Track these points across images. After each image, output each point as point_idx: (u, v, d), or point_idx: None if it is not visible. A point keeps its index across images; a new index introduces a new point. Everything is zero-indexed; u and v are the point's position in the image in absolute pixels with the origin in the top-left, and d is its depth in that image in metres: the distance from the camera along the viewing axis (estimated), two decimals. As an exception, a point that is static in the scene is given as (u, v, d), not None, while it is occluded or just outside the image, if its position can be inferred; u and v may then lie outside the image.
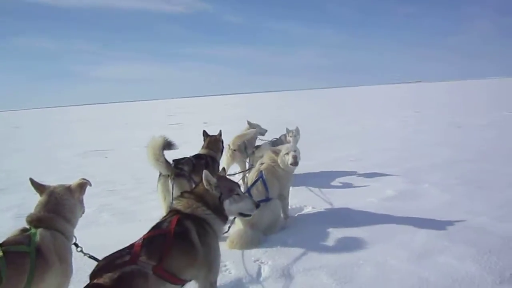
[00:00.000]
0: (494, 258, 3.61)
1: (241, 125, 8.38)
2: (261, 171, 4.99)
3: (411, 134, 13.10)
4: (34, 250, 2.52)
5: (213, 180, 3.02)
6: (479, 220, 4.58)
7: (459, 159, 8.36)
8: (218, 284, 3.00)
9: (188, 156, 5.38)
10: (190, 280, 2.79)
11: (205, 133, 6.04)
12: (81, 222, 3.14)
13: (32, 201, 3.01)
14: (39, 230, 2.65)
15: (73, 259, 2.85)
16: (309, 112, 28.00)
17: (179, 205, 2.98)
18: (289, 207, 5.35)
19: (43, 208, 2.82)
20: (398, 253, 3.89)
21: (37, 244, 2.56)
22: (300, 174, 6.90)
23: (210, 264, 2.85)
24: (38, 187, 2.93)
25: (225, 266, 3.94)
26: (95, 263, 2.48)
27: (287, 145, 5.44)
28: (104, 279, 2.20)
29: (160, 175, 4.86)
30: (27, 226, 2.73)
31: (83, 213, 3.14)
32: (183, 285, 2.70)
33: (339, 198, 5.95)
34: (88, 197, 3.20)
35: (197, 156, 5.52)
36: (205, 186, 3.01)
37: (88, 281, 2.28)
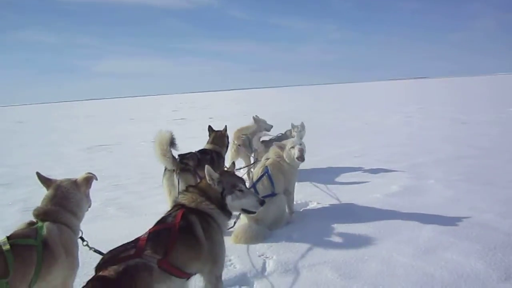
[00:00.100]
0: (500, 254, 3.60)
1: (246, 121, 8.38)
2: (266, 166, 4.99)
3: (416, 130, 13.07)
4: (41, 243, 2.54)
5: (215, 175, 3.01)
6: (483, 217, 4.57)
7: (463, 155, 8.33)
8: (223, 278, 3.00)
9: (193, 151, 5.39)
10: (195, 274, 2.80)
11: (210, 128, 6.04)
12: (87, 216, 3.16)
13: (38, 195, 3.03)
14: (46, 224, 2.67)
15: (79, 252, 2.87)
16: (313, 107, 27.91)
17: (184, 199, 2.99)
18: (294, 202, 5.34)
19: (50, 202, 2.84)
20: (403, 248, 3.89)
21: (44, 238, 2.58)
22: (305, 169, 6.89)
23: (215, 258, 2.85)
24: (45, 181, 2.95)
25: (230, 260, 3.96)
26: (101, 257, 2.49)
27: (292, 139, 5.43)
28: (109, 271, 2.21)
29: (165, 170, 4.87)
30: (34, 220, 2.75)
31: (89, 206, 3.16)
32: (188, 278, 2.70)
33: (344, 194, 5.95)
34: (93, 191, 3.22)
35: (202, 151, 5.53)
36: (208, 181, 3.01)
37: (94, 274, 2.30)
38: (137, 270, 2.28)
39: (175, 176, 4.71)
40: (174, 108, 39.62)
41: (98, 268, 2.32)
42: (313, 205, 5.64)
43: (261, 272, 3.73)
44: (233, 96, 70.45)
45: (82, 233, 2.97)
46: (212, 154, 5.51)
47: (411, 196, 5.63)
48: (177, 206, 2.95)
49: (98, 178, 3.19)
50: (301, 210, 5.43)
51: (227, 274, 3.61)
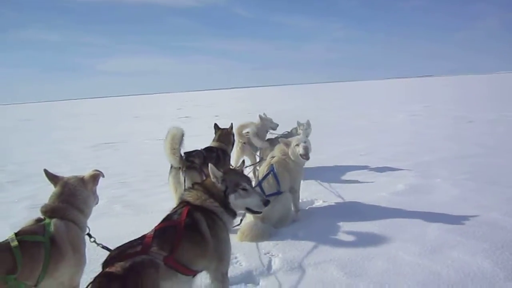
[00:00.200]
0: (507, 253, 3.58)
1: (251, 119, 8.37)
2: (272, 165, 4.98)
3: (420, 128, 13.01)
4: (48, 240, 2.56)
5: (219, 173, 3.00)
6: (490, 215, 4.54)
7: (469, 153, 8.29)
8: (229, 275, 3.00)
9: (199, 148, 5.39)
10: (201, 271, 2.80)
11: (216, 126, 6.04)
12: (93, 213, 3.17)
13: (45, 192, 3.05)
14: (54, 220, 2.69)
15: (86, 249, 2.88)
16: (317, 106, 27.87)
17: (189, 196, 2.99)
18: (300, 201, 5.33)
19: (57, 199, 2.85)
20: (409, 247, 3.87)
21: (52, 234, 2.60)
22: (311, 167, 6.89)
23: (221, 255, 2.86)
24: (52, 178, 2.96)
25: (235, 258, 3.97)
26: (108, 254, 2.50)
27: (297, 136, 5.43)
28: (116, 267, 2.22)
29: (171, 167, 4.88)
30: (42, 217, 2.77)
31: (96, 203, 3.17)
32: (194, 275, 2.71)
33: (350, 192, 5.93)
34: (100, 188, 3.23)
35: (208, 149, 5.52)
36: (212, 179, 3.01)
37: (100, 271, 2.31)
38: (144, 267, 2.28)
39: (181, 173, 4.71)
40: (179, 106, 39.68)
41: (105, 264, 2.33)
42: (318, 203, 5.63)
43: (267, 270, 3.74)
44: (237, 94, 70.42)
45: (89, 230, 2.99)
46: (218, 152, 5.52)
47: (417, 194, 5.61)
48: (182, 203, 2.95)
49: (104, 175, 3.20)
50: (306, 208, 5.42)
51: (233, 271, 3.62)
